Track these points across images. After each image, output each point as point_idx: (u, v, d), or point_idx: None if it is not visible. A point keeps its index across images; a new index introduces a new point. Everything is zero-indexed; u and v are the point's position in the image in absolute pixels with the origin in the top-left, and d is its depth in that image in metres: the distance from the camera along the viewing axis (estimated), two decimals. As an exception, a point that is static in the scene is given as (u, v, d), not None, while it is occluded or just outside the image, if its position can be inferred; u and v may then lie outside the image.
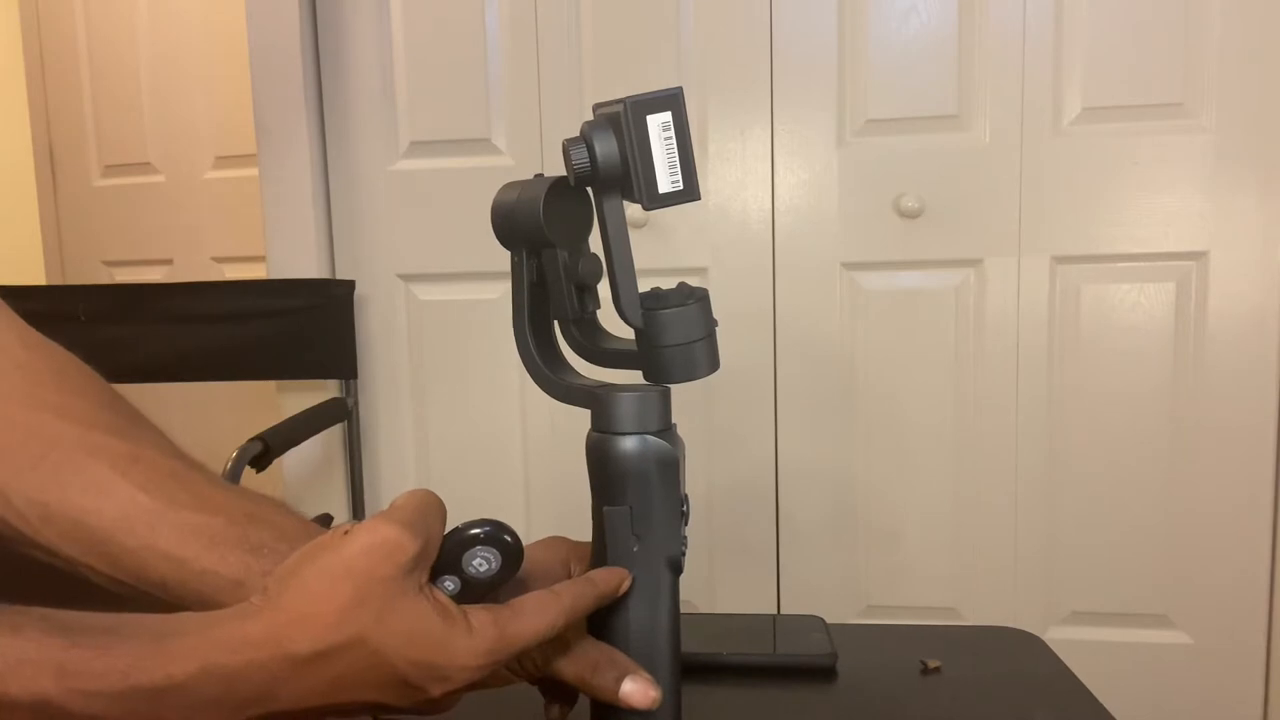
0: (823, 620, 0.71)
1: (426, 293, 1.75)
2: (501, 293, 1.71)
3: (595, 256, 0.49)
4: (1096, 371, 1.58)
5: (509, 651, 0.42)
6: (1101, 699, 0.60)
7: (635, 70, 1.63)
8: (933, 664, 0.65)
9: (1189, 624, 1.60)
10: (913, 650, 0.67)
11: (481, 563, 0.44)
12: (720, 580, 1.70)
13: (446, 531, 0.44)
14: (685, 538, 0.49)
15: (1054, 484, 1.61)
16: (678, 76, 1.63)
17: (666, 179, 0.46)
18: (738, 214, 1.62)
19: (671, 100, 0.45)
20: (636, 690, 0.47)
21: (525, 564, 0.46)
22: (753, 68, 1.61)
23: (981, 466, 1.62)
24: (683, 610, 0.50)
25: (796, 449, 1.66)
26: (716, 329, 0.48)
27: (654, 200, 0.46)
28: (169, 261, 2.16)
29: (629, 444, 0.47)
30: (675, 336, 0.47)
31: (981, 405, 1.61)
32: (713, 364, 0.48)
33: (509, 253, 0.51)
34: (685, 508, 0.49)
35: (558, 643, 0.47)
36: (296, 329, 1.69)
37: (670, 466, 0.48)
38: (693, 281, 0.50)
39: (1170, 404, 1.57)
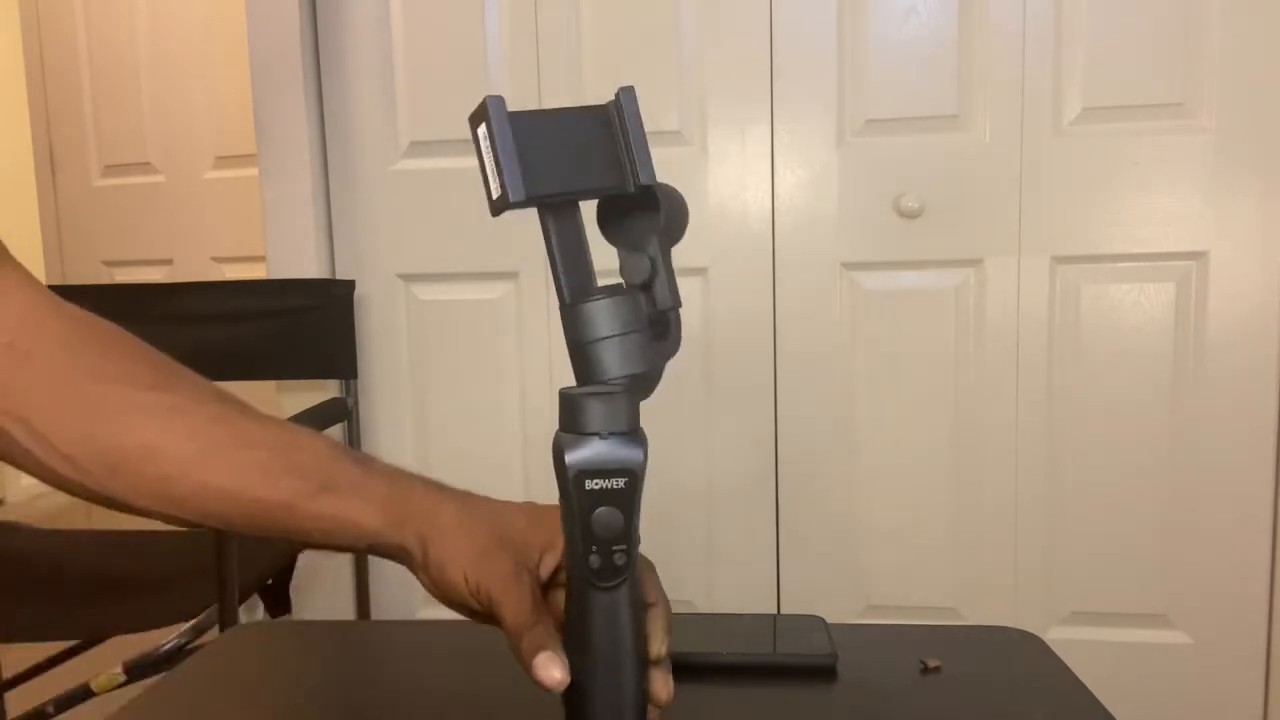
0: (823, 620, 0.71)
1: (426, 293, 1.75)
2: (501, 293, 1.71)
3: (643, 259, 0.49)
4: (1096, 371, 1.58)
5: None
6: (1101, 699, 0.60)
7: (635, 70, 1.63)
8: (933, 664, 0.65)
9: (1189, 624, 1.60)
10: (913, 650, 0.67)
11: None
12: (720, 580, 1.70)
13: None
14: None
15: (1054, 484, 1.61)
16: (678, 76, 1.63)
17: (494, 186, 0.45)
18: (738, 214, 1.62)
19: (481, 111, 0.45)
20: (547, 669, 0.46)
21: (507, 529, 0.51)
22: (753, 68, 1.61)
23: (982, 466, 1.62)
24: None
25: (796, 449, 1.66)
26: (634, 332, 0.46)
27: (492, 209, 0.45)
28: (169, 261, 2.16)
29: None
30: (571, 334, 0.46)
31: (981, 405, 1.61)
32: (622, 367, 0.45)
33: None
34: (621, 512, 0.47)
35: (517, 590, 0.49)
36: (296, 329, 1.69)
37: (560, 463, 0.46)
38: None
39: (1170, 404, 1.57)
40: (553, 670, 0.46)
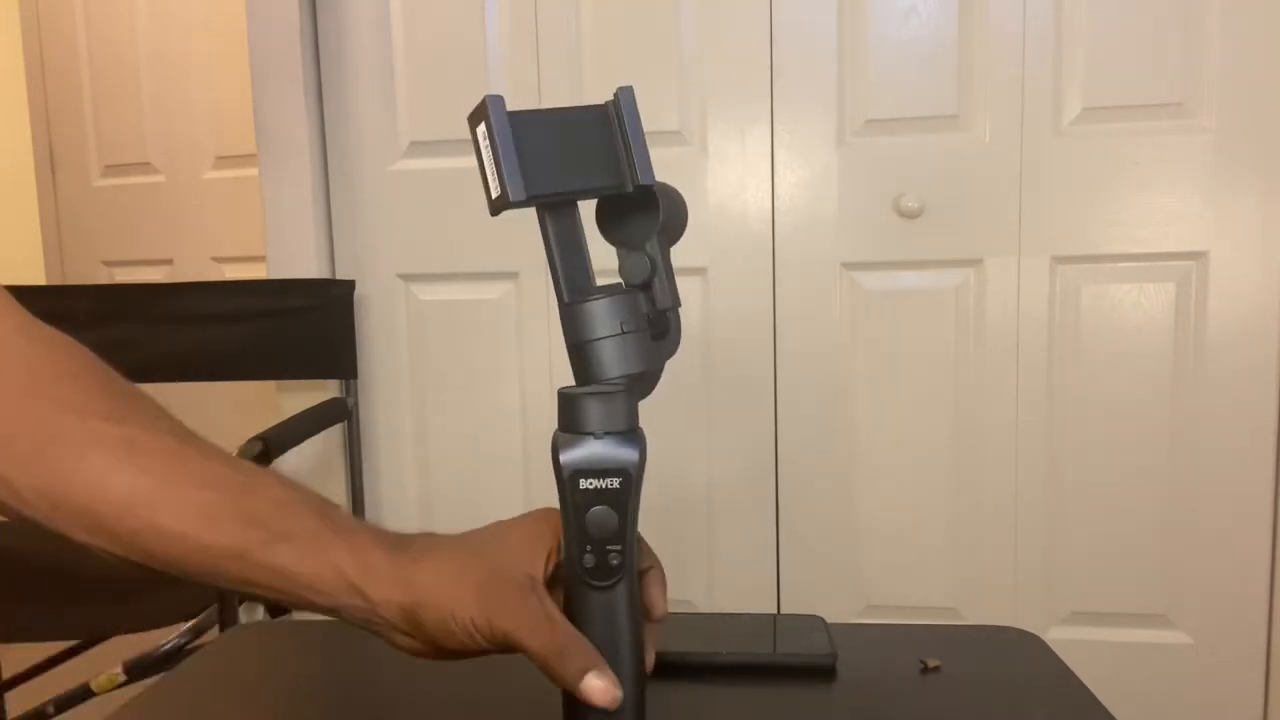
0: (823, 620, 0.71)
1: (426, 293, 1.75)
2: (501, 293, 1.71)
3: (642, 258, 0.49)
4: (1096, 371, 1.58)
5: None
6: (1101, 699, 0.60)
7: (635, 70, 1.63)
8: (933, 664, 0.65)
9: (1189, 624, 1.60)
10: (913, 650, 0.67)
11: None
12: (720, 580, 1.70)
13: None
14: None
15: (1054, 484, 1.61)
16: (678, 76, 1.63)
17: (494, 186, 0.45)
18: (737, 214, 1.62)
19: (480, 111, 0.45)
20: (599, 688, 0.46)
21: (498, 553, 0.50)
22: (753, 68, 1.61)
23: (982, 466, 1.62)
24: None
25: (796, 449, 1.66)
26: (628, 333, 0.46)
27: (491, 208, 0.46)
28: (169, 261, 2.16)
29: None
30: (569, 334, 0.47)
31: (981, 405, 1.61)
32: (610, 368, 0.46)
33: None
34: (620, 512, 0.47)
35: (531, 616, 0.47)
36: (296, 329, 1.69)
37: (556, 462, 0.47)
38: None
39: (1170, 404, 1.57)
40: (610, 690, 0.46)
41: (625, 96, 0.47)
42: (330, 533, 0.49)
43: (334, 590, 0.48)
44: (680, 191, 0.51)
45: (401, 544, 0.50)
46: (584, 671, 0.46)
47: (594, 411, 0.46)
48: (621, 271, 0.50)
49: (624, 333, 0.46)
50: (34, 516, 0.49)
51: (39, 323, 0.52)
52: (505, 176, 0.44)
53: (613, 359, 0.46)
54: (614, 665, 0.47)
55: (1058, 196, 1.56)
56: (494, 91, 0.44)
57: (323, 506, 0.51)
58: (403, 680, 0.65)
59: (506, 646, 0.48)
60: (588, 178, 0.47)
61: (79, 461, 0.48)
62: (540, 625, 0.47)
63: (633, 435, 0.47)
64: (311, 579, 0.48)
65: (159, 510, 0.48)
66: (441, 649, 0.49)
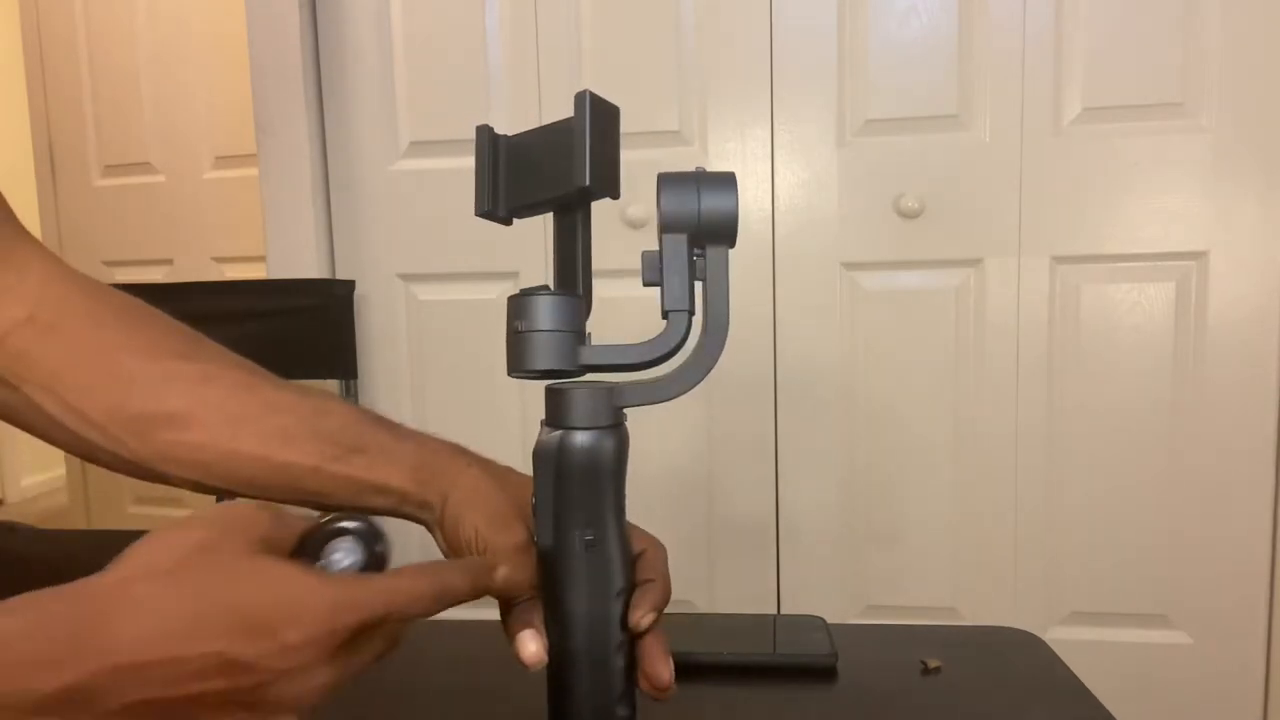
0: (823, 620, 0.71)
1: (426, 293, 1.75)
2: (501, 293, 1.71)
3: (651, 258, 0.52)
4: (1096, 372, 1.58)
5: (354, 615, 0.39)
6: (1101, 699, 0.60)
7: (635, 70, 1.63)
8: (933, 664, 0.65)
9: (1189, 624, 1.60)
10: (913, 650, 0.67)
11: (343, 556, 0.42)
12: (720, 580, 1.70)
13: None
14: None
15: (1054, 484, 1.61)
16: (678, 76, 1.63)
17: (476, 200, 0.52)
18: (738, 214, 1.62)
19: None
20: (532, 650, 0.47)
21: (528, 502, 0.50)
22: (753, 68, 1.61)
23: (981, 466, 1.62)
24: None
25: (796, 449, 1.66)
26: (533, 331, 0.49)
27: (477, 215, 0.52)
28: (169, 261, 2.16)
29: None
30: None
31: (981, 405, 1.61)
32: (520, 364, 0.50)
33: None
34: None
35: (517, 547, 0.49)
36: (296, 329, 1.69)
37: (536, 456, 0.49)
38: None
39: (1170, 404, 1.57)
40: (529, 645, 0.47)
41: (579, 101, 0.48)
42: (398, 440, 0.54)
43: (399, 488, 0.52)
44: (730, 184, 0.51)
45: (461, 450, 0.56)
46: (525, 624, 0.47)
47: (562, 403, 0.51)
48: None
49: (519, 331, 0.49)
50: (122, 454, 0.52)
51: (98, 282, 0.56)
52: (476, 193, 0.51)
53: (512, 352, 0.50)
54: (588, 646, 0.49)
55: (1058, 196, 1.56)
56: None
57: (390, 423, 0.56)
58: (403, 680, 0.65)
59: (486, 561, 0.49)
60: (547, 188, 0.51)
61: (158, 398, 0.53)
62: (524, 572, 0.49)
63: (608, 427, 0.50)
64: (383, 482, 0.52)
65: (241, 436, 0.52)
66: (455, 550, 0.51)
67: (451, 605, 0.44)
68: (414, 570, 0.42)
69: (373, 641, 0.41)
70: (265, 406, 0.54)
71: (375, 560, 0.42)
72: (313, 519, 0.43)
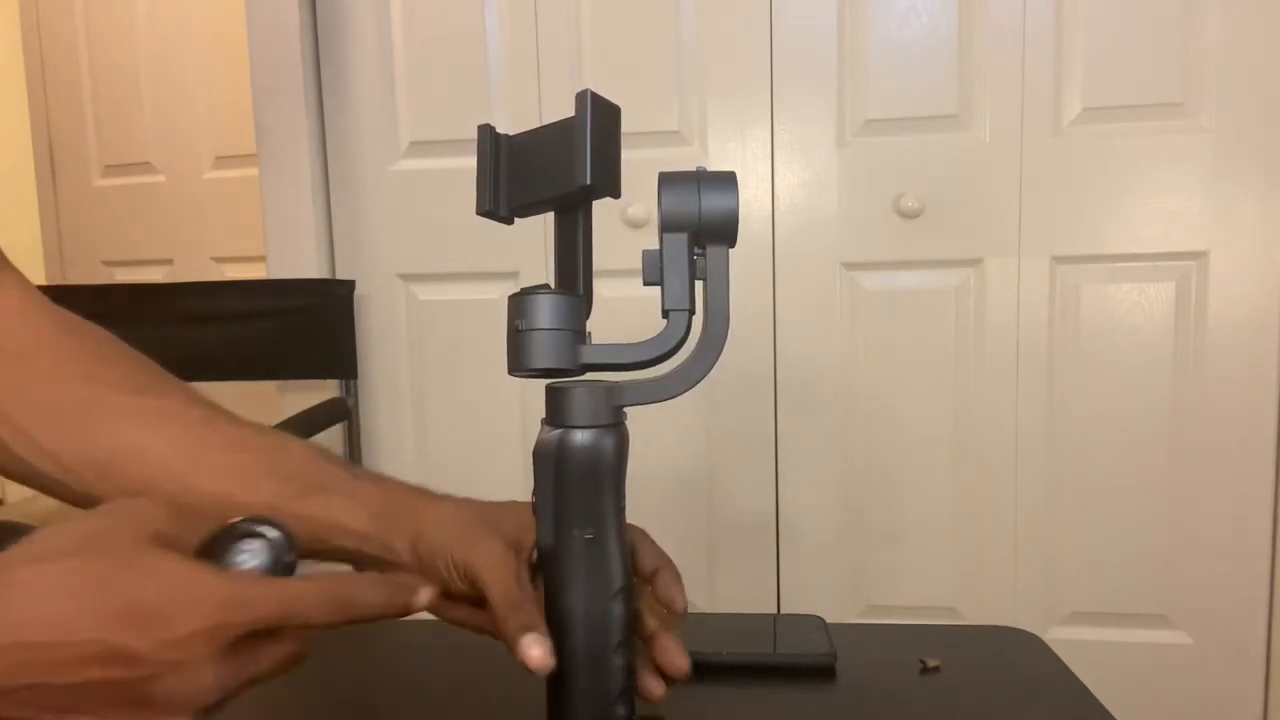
0: (823, 620, 0.71)
1: (426, 293, 1.75)
2: (501, 293, 1.71)
3: (652, 257, 0.53)
4: (1096, 371, 1.58)
5: (245, 613, 0.38)
6: (1101, 699, 0.60)
7: (635, 70, 1.63)
8: (933, 664, 0.65)
9: (1189, 624, 1.60)
10: (913, 650, 0.67)
11: (248, 557, 0.41)
12: (720, 580, 1.70)
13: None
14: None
15: (1054, 484, 1.61)
16: (678, 76, 1.63)
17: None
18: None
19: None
20: (536, 655, 0.46)
21: (498, 521, 0.50)
22: (753, 68, 1.61)
23: (981, 466, 1.62)
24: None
25: (796, 449, 1.66)
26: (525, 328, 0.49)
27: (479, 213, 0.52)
28: (169, 261, 2.16)
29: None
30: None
31: (981, 405, 1.61)
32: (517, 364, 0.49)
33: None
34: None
35: (500, 565, 0.48)
36: (296, 329, 1.69)
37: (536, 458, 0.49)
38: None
39: (1170, 404, 1.57)
40: (534, 649, 0.46)
41: (580, 100, 0.48)
42: (357, 480, 0.54)
43: (359, 529, 0.51)
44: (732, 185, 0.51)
45: (420, 490, 0.55)
46: (525, 629, 0.46)
47: (562, 402, 0.50)
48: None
49: (519, 330, 0.49)
50: (76, 487, 0.52)
51: (68, 313, 0.57)
52: (478, 192, 0.51)
53: (513, 351, 0.50)
54: (589, 650, 0.48)
55: (1058, 196, 1.56)
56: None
57: (349, 464, 0.55)
58: (403, 680, 0.65)
59: (475, 589, 0.49)
60: (548, 187, 0.51)
61: (118, 432, 0.52)
62: (503, 572, 0.48)
63: (609, 426, 0.50)
64: (341, 522, 0.51)
65: (199, 473, 0.52)
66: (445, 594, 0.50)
67: (360, 619, 0.43)
68: (317, 577, 0.42)
69: (271, 647, 0.40)
70: (224, 444, 0.54)
71: (282, 567, 0.42)
72: (223, 521, 0.42)
